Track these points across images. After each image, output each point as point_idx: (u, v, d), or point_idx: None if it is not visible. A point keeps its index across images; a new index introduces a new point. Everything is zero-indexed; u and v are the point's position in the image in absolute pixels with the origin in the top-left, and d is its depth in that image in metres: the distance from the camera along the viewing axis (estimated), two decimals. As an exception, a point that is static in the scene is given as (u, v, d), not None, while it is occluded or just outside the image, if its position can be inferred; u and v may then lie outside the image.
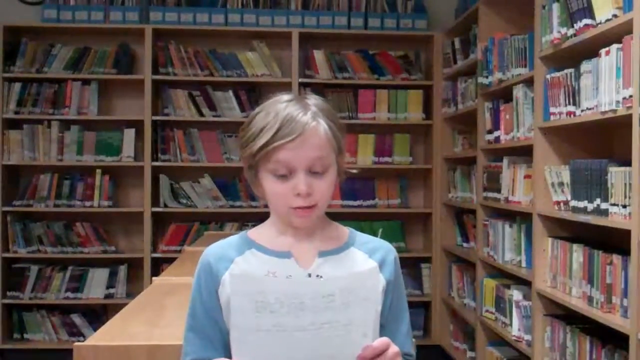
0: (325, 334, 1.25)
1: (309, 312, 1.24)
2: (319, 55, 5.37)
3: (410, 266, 5.41)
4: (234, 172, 5.28)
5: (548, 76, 3.34)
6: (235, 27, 5.34)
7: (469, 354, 4.72)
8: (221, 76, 5.29)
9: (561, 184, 3.28)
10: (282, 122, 1.34)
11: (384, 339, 1.30)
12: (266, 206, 1.44)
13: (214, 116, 5.31)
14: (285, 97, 1.40)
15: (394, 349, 1.30)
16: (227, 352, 1.34)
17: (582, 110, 3.01)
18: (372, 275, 1.32)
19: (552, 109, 3.31)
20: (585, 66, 2.98)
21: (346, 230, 1.50)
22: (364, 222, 5.16)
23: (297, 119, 1.34)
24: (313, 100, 1.41)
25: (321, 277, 1.39)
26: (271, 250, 1.42)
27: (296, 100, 1.39)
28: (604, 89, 2.79)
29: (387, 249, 1.48)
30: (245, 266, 1.40)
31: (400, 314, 1.47)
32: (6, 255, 5.18)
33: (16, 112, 5.21)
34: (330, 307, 1.24)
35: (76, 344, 1.61)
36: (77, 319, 5.25)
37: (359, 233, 1.50)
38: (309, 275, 1.39)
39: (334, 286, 1.25)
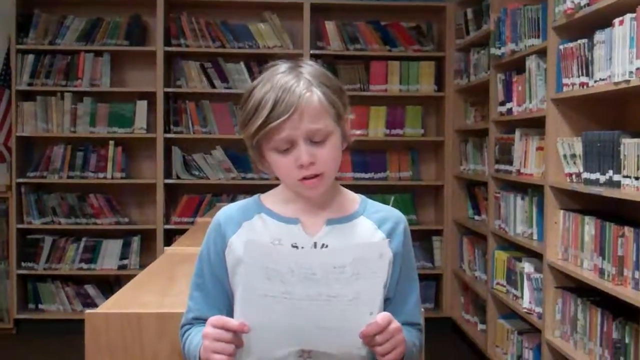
0: (331, 306, 1.25)
1: (318, 282, 1.24)
2: (330, 27, 5.34)
3: (422, 239, 5.41)
4: (245, 144, 5.27)
5: (561, 47, 3.31)
6: (247, -2, 5.32)
7: (480, 326, 4.74)
8: (232, 48, 5.28)
9: (573, 155, 3.27)
10: (276, 99, 1.32)
11: (386, 315, 1.30)
12: (277, 178, 1.44)
13: (225, 88, 5.30)
14: (281, 67, 1.39)
15: (395, 324, 1.31)
16: (229, 313, 1.35)
17: (595, 81, 2.99)
18: (383, 247, 1.31)
19: (565, 80, 3.28)
20: (598, 36, 2.95)
21: (357, 198, 1.50)
22: (375, 194, 5.16)
23: (290, 91, 1.33)
24: (307, 67, 1.39)
25: (327, 246, 1.39)
26: (280, 216, 1.43)
27: (289, 70, 1.38)
28: (617, 59, 2.76)
29: (397, 219, 1.47)
30: (251, 231, 1.41)
31: (409, 284, 1.47)
32: (20, 226, 5.23)
33: (29, 84, 5.22)
34: (340, 279, 1.25)
35: (88, 311, 1.64)
36: (90, 289, 5.30)
37: (370, 201, 1.50)
38: (315, 243, 1.40)
39: (346, 257, 1.26)
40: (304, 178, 1.37)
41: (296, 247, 1.39)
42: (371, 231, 1.44)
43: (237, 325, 1.28)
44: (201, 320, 1.39)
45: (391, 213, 1.48)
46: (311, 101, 1.34)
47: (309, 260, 1.26)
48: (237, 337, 1.29)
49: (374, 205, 1.49)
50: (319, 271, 1.24)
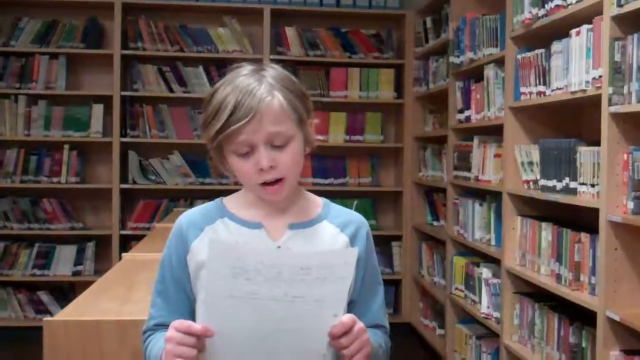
0: (297, 307, 1.25)
1: (284, 283, 1.23)
2: (290, 32, 5.34)
3: (381, 244, 5.43)
4: (204, 149, 5.15)
5: (519, 56, 3.36)
6: (206, 2, 5.30)
7: (439, 331, 4.77)
8: (192, 52, 5.24)
9: (531, 163, 3.31)
10: (236, 102, 1.31)
11: (350, 316, 1.30)
12: (236, 183, 1.43)
13: (184, 92, 5.26)
14: (244, 70, 1.38)
15: (359, 325, 1.31)
16: (192, 319, 1.33)
17: (552, 90, 3.03)
18: (348, 254, 1.31)
19: (522, 89, 3.33)
20: (555, 46, 3.00)
21: (320, 202, 1.50)
22: (335, 199, 5.13)
23: (251, 95, 1.32)
24: (271, 70, 1.38)
25: (290, 250, 1.39)
26: (243, 220, 1.42)
27: (252, 72, 1.37)
28: (574, 69, 2.81)
29: (359, 223, 1.47)
30: (213, 236, 1.40)
31: (372, 287, 1.47)
32: (-28, 231, 5.11)
33: (-18, 86, 5.12)
34: (305, 280, 1.24)
35: (46, 319, 1.60)
36: (44, 296, 5.20)
37: (332, 205, 1.50)
38: (278, 247, 1.39)
39: (312, 260, 1.25)
40: (265, 183, 1.36)
41: None
42: (334, 235, 1.44)
43: (201, 329, 1.26)
44: (163, 327, 1.36)
45: (354, 217, 1.48)
46: (272, 105, 1.33)
47: (276, 259, 1.25)
48: (200, 342, 1.27)
49: (336, 209, 1.49)
50: (286, 271, 1.23)
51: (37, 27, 5.18)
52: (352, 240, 1.44)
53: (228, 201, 1.47)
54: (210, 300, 1.27)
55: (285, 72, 1.41)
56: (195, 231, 1.41)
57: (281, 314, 1.25)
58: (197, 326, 1.26)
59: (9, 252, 5.17)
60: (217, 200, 1.48)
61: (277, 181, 1.37)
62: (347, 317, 1.29)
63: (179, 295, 1.41)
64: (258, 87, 1.33)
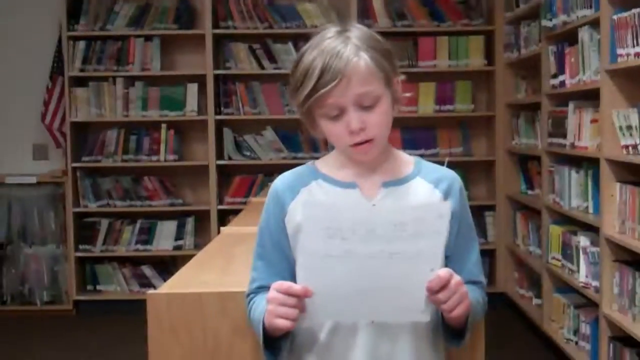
0: (393, 263, 1.26)
1: (379, 239, 1.25)
2: (377, 3, 5.31)
3: (474, 214, 5.33)
4: (296, 124, 5.25)
5: (615, 17, 3.24)
6: (293, -23, 5.31)
7: (535, 300, 4.70)
8: (280, 28, 5.29)
9: (629, 127, 3.20)
10: (323, 65, 1.33)
11: (447, 270, 1.30)
12: (326, 144, 1.46)
13: (274, 69, 5.32)
14: (329, 32, 1.38)
15: (456, 278, 1.31)
16: (293, 280, 1.35)
17: (651, 51, 2.92)
18: (442, 207, 1.31)
19: (619, 51, 3.21)
20: (654, 5, 2.88)
21: (412, 160, 1.51)
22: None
23: (338, 57, 1.33)
24: (355, 31, 1.39)
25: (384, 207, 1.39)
26: (337, 181, 1.45)
27: (337, 34, 1.37)
28: (674, 28, 2.70)
29: (452, 178, 1.48)
30: (309, 197, 1.43)
31: (468, 242, 1.48)
32: (77, 209, 5.35)
33: (81, 70, 5.32)
34: (401, 237, 1.25)
35: (149, 292, 1.66)
36: (147, 270, 5.41)
37: (424, 162, 1.51)
38: (374, 205, 1.40)
39: (407, 216, 1.26)
40: (355, 144, 1.38)
41: None
42: (428, 191, 1.45)
43: (301, 289, 1.28)
44: (265, 289, 1.39)
45: (446, 173, 1.49)
46: (359, 66, 1.34)
47: (370, 217, 1.26)
48: (300, 302, 1.30)
49: (428, 166, 1.50)
50: (380, 228, 1.25)
51: (131, 10, 5.33)
52: (446, 196, 1.45)
53: (320, 163, 1.50)
54: (308, 261, 1.30)
55: (370, 31, 1.42)
56: (291, 193, 1.45)
57: (378, 270, 1.26)
58: (297, 287, 1.29)
59: (113, 228, 5.39)
60: (310, 163, 1.51)
61: (367, 141, 1.38)
62: (444, 271, 1.29)
63: (279, 257, 1.44)
64: (344, 49, 1.34)
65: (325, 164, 1.49)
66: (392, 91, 1.41)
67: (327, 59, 1.33)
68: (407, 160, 1.50)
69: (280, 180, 1.48)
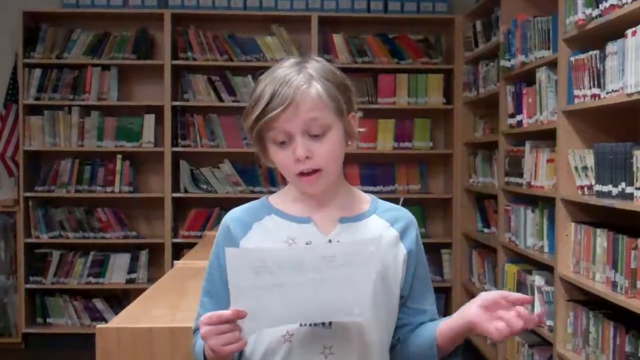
0: (325, 286, 1.25)
1: (308, 271, 1.24)
2: (338, 39, 5.34)
3: (431, 252, 5.38)
4: (254, 157, 5.24)
5: (572, 58, 3.30)
6: (254, 11, 5.33)
7: (490, 339, 4.69)
8: (240, 61, 5.28)
9: (585, 168, 3.24)
10: (273, 91, 1.33)
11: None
12: (283, 178, 1.44)
13: (233, 101, 5.30)
14: (286, 62, 1.39)
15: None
16: None
17: (607, 93, 2.96)
18: (375, 243, 1.29)
19: (576, 92, 3.26)
20: (610, 47, 2.93)
21: (367, 198, 1.50)
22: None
23: (288, 84, 1.33)
24: (313, 63, 1.39)
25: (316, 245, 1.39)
26: (291, 216, 1.43)
27: (294, 64, 1.38)
28: (630, 70, 2.74)
29: (409, 219, 1.49)
30: (263, 232, 1.41)
31: (425, 282, 1.49)
32: (28, 240, 5.22)
33: (36, 98, 5.23)
34: (330, 266, 1.24)
35: (99, 326, 1.62)
36: (99, 303, 5.29)
37: (380, 200, 1.51)
38: (330, 240, 1.39)
39: (335, 249, 1.26)
40: (302, 173, 1.37)
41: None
42: (384, 229, 1.45)
43: (231, 313, 1.26)
44: None
45: (403, 213, 1.50)
46: (308, 93, 1.34)
47: (298, 254, 1.25)
48: (236, 326, 1.27)
49: (385, 205, 1.50)
50: (309, 262, 1.24)
51: (89, 39, 5.28)
52: (402, 235, 1.45)
53: (273, 198, 1.48)
54: (237, 292, 1.27)
55: (329, 65, 1.42)
56: (243, 228, 1.43)
57: (310, 294, 1.25)
58: (227, 312, 1.26)
59: (64, 260, 5.27)
60: (262, 198, 1.49)
61: (314, 172, 1.37)
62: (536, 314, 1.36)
63: (227, 293, 1.40)
64: (296, 77, 1.35)
65: (279, 198, 1.48)
66: (345, 124, 1.39)
67: (278, 85, 1.34)
68: (363, 198, 1.50)
69: (231, 215, 1.46)
